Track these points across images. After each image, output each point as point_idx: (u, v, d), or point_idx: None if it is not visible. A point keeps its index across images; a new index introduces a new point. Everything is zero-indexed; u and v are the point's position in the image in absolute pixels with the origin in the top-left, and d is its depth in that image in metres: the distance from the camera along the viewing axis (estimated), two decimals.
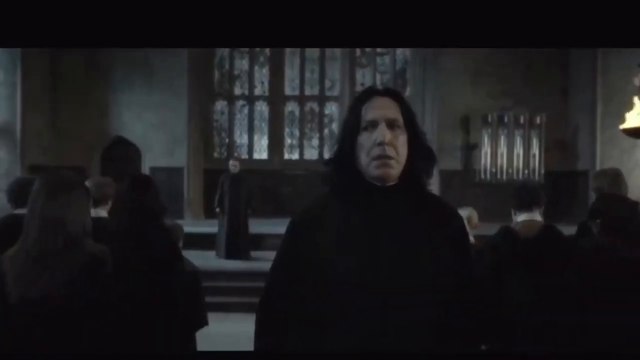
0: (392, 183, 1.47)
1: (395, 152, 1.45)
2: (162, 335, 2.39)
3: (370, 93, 1.53)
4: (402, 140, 1.47)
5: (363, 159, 1.47)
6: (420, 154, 1.50)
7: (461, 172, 10.68)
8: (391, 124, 1.46)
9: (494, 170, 10.38)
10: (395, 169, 1.46)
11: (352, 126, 1.50)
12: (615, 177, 2.75)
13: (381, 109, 1.48)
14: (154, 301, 2.24)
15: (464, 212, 3.81)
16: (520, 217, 2.57)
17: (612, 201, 2.14)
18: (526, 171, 10.37)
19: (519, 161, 10.39)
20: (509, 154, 10.42)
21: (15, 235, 2.26)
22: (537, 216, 2.54)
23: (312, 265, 1.45)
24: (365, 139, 1.46)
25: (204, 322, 2.95)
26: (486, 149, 10.42)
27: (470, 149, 10.70)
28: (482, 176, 10.39)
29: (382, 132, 1.44)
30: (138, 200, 2.34)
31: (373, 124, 1.46)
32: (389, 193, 1.47)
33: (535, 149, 10.41)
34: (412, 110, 1.54)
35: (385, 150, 1.43)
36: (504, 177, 10.33)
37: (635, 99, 7.22)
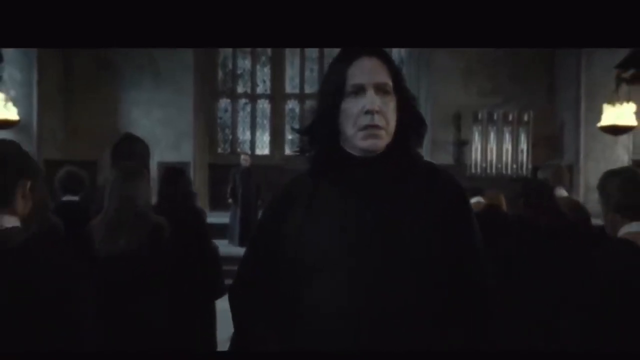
0: (376, 154, 1.30)
1: (385, 122, 1.27)
2: (193, 296, 2.95)
3: (356, 52, 1.31)
4: (391, 107, 1.29)
5: (348, 128, 1.29)
6: (411, 121, 1.33)
7: (453, 167, 11.20)
8: (381, 89, 1.27)
9: (484, 165, 10.91)
10: (384, 140, 1.28)
11: (335, 91, 1.29)
12: (557, 170, 3.37)
13: (369, 72, 1.28)
14: (190, 267, 2.81)
15: None
16: (472, 200, 3.25)
17: (531, 185, 2.76)
18: (514, 166, 10.90)
19: (507, 156, 10.91)
20: (498, 149, 10.93)
21: (74, 218, 2.83)
22: (481, 199, 3.28)
23: (289, 248, 1.30)
24: (350, 106, 1.28)
25: (223, 292, 3.51)
26: (477, 144, 10.93)
27: (462, 144, 11.22)
28: (473, 170, 10.91)
29: (372, 99, 1.26)
30: (174, 187, 2.91)
31: (360, 89, 1.27)
32: (373, 164, 1.29)
33: (523, 145, 10.92)
34: (401, 72, 1.36)
35: (374, 120, 1.25)
36: (494, 171, 10.86)
37: (613, 101, 7.77)
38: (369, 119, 1.25)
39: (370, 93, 1.26)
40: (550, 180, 3.21)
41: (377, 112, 1.25)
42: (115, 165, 2.43)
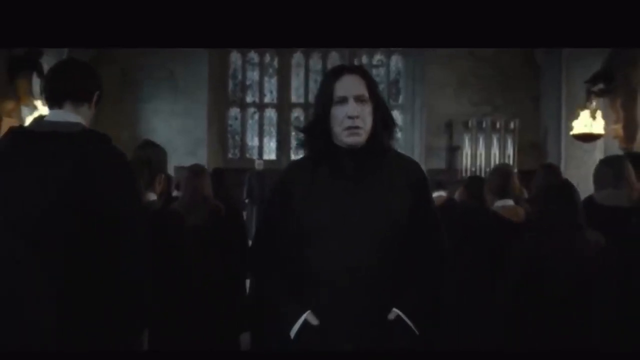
0: (358, 146, 1.64)
1: (363, 123, 1.63)
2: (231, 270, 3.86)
3: (340, 71, 1.69)
4: (367, 112, 1.64)
5: (336, 128, 1.65)
6: (382, 121, 1.69)
7: (446, 171, 12.13)
8: (359, 99, 1.63)
9: (473, 169, 11.78)
10: (363, 137, 1.64)
11: (326, 101, 1.66)
12: (498, 170, 4.28)
13: (350, 86, 1.64)
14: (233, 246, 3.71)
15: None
16: (434, 194, 4.14)
17: (473, 180, 3.72)
18: None
19: (495, 161, 11.73)
20: (486, 154, 11.83)
21: None
22: (443, 193, 4.14)
23: (295, 219, 1.63)
24: (337, 112, 1.63)
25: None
26: (467, 150, 11.83)
27: (453, 150, 12.13)
28: (464, 174, 11.72)
29: (352, 107, 1.61)
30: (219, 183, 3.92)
31: (344, 100, 1.63)
32: (356, 155, 1.64)
33: (509, 150, 11.81)
34: (376, 83, 1.72)
35: (354, 122, 1.61)
36: (483, 174, 11.74)
37: (584, 111, 8.68)
38: (351, 122, 1.63)
39: (351, 102, 1.63)
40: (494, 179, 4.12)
41: (357, 116, 1.62)
42: (194, 166, 3.49)
